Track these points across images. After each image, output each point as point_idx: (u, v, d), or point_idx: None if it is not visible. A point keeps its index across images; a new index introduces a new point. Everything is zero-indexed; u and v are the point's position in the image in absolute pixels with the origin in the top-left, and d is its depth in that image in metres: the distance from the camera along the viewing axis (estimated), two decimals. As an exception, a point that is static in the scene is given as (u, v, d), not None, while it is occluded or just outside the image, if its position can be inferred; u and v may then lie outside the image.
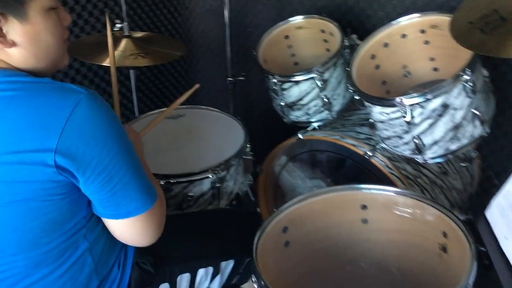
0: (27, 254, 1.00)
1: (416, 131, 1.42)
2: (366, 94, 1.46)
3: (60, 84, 0.96)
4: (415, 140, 1.44)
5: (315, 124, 1.81)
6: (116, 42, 1.85)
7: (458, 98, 1.35)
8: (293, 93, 1.73)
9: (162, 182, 1.47)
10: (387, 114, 1.44)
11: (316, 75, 1.65)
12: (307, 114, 1.79)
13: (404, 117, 1.38)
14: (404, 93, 1.50)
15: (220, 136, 1.70)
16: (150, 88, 2.55)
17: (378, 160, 1.59)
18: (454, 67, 1.34)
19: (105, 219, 1.06)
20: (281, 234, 1.30)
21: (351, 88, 1.52)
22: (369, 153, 1.59)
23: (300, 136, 1.78)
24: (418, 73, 1.67)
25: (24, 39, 0.95)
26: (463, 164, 1.79)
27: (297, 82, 1.70)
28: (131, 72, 1.99)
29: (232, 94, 2.17)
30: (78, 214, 1.03)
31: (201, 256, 1.30)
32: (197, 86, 1.46)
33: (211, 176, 1.51)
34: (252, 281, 1.10)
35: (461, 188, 1.78)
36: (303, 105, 1.76)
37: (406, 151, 1.51)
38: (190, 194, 1.52)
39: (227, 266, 1.33)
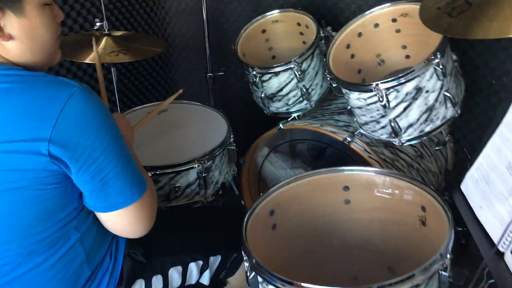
0: (20, 243, 1.02)
1: (392, 114, 1.49)
2: (344, 81, 1.52)
3: (54, 77, 1.00)
4: (391, 123, 1.51)
5: (295, 114, 1.87)
6: (97, 40, 1.88)
7: (430, 81, 1.43)
8: (272, 84, 1.79)
9: (149, 174, 1.50)
10: (364, 99, 1.50)
11: (294, 66, 1.71)
12: (287, 104, 1.85)
13: (381, 101, 1.45)
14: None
15: (204, 128, 1.74)
16: (132, 82, 2.58)
17: (357, 145, 1.66)
18: (425, 54, 1.41)
19: (96, 213, 1.09)
20: (269, 217, 1.34)
21: (328, 75, 1.58)
22: (348, 139, 1.66)
23: (281, 126, 1.83)
24: (392, 61, 1.75)
25: (20, 33, 0.99)
26: (437, 148, 1.87)
27: (276, 74, 1.75)
28: (113, 69, 2.02)
29: (212, 90, 2.21)
30: (70, 205, 1.06)
31: (192, 250, 1.33)
32: (180, 91, 1.51)
33: (196, 166, 1.55)
34: (244, 260, 1.14)
35: (436, 171, 1.86)
36: (283, 96, 1.82)
37: (384, 135, 1.58)
38: (177, 184, 1.56)
39: (215, 261, 1.37)
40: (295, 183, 1.39)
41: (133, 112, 1.85)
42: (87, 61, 1.80)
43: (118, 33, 2.02)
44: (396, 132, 1.52)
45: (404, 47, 1.72)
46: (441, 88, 1.45)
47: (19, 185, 0.96)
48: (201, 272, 1.33)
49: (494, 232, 1.04)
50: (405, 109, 1.47)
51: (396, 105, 1.46)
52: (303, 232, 1.41)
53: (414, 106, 1.46)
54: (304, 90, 1.78)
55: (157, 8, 2.65)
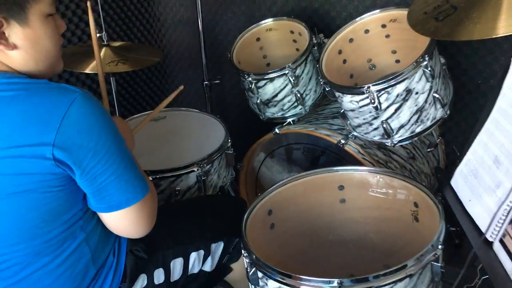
0: (28, 244, 1.06)
1: (384, 116, 1.54)
2: (337, 85, 1.58)
3: (57, 84, 1.04)
4: (383, 125, 1.56)
5: (290, 119, 1.92)
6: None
7: (420, 83, 1.48)
8: (268, 90, 1.84)
9: (150, 178, 1.54)
10: (357, 102, 1.56)
11: (288, 71, 1.77)
12: (282, 110, 1.90)
13: (373, 103, 1.50)
14: (371, 83, 1.62)
15: (202, 133, 1.79)
16: (130, 93, 2.64)
17: (351, 148, 1.71)
18: (414, 58, 1.47)
19: (99, 213, 1.13)
20: (267, 216, 1.39)
21: (322, 80, 1.64)
22: (342, 141, 1.71)
23: (276, 130, 1.88)
24: (382, 65, 1.80)
25: (24, 42, 1.03)
26: (429, 150, 1.93)
27: (271, 79, 1.81)
28: (112, 78, 2.07)
29: (209, 97, 2.27)
30: (75, 206, 1.10)
31: (192, 240, 1.36)
32: (181, 87, 1.54)
33: (196, 170, 1.59)
34: (244, 256, 1.18)
35: (428, 172, 1.92)
36: (278, 101, 1.87)
37: (376, 137, 1.63)
38: (178, 188, 1.60)
39: (218, 247, 1.40)
40: (292, 183, 1.44)
41: (132, 120, 1.90)
42: (87, 71, 1.85)
43: (117, 44, 2.07)
44: (388, 133, 1.58)
45: (394, 51, 1.78)
46: (430, 90, 1.51)
47: (26, 189, 1.00)
48: (204, 260, 1.37)
49: (483, 223, 1.09)
50: (396, 110, 1.52)
51: (388, 107, 1.52)
52: (301, 231, 1.46)
53: (404, 107, 1.52)
54: (299, 95, 1.83)
55: (153, 20, 2.71)
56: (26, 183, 1.00)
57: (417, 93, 1.49)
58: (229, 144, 1.73)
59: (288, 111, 1.90)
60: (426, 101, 1.52)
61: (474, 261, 1.36)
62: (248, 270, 1.17)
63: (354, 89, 1.54)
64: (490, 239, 1.05)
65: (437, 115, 1.57)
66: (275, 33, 2.04)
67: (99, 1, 2.02)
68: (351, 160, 1.74)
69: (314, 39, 1.84)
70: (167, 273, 1.31)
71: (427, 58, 1.44)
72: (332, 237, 1.47)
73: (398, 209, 1.38)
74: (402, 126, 1.56)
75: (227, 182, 1.77)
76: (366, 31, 1.75)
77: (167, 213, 1.37)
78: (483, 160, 1.15)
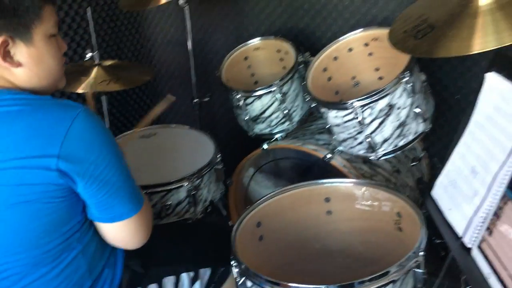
0: (28, 253, 1.09)
1: (368, 130, 1.60)
2: (322, 101, 1.64)
3: (60, 100, 1.10)
4: (367, 139, 1.62)
5: (278, 135, 1.97)
6: (88, 70, 1.98)
7: (401, 98, 1.55)
8: (256, 107, 1.90)
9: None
10: (342, 117, 1.61)
11: (275, 89, 1.82)
12: (270, 126, 1.95)
13: (356, 118, 1.56)
14: (355, 99, 1.68)
15: (192, 149, 1.83)
16: (121, 112, 2.68)
17: (338, 162, 1.76)
18: (396, 75, 1.54)
19: (99, 224, 1.17)
20: (256, 228, 1.43)
21: (308, 96, 1.69)
22: (329, 156, 1.76)
23: (265, 146, 1.93)
24: (366, 82, 1.87)
25: (29, 60, 1.09)
26: (413, 164, 1.98)
27: (259, 97, 1.86)
28: (103, 97, 2.11)
29: (199, 115, 2.32)
30: (74, 218, 1.14)
31: (184, 261, 1.41)
32: (173, 98, 1.58)
33: (186, 184, 1.63)
34: (233, 266, 1.22)
35: (413, 185, 1.97)
36: (266, 117, 1.92)
37: (361, 151, 1.69)
38: (168, 202, 1.64)
39: (205, 273, 1.44)
40: (280, 195, 1.48)
41: (123, 136, 1.94)
42: (79, 91, 1.90)
43: (108, 63, 2.12)
44: (372, 147, 1.63)
45: (377, 69, 1.84)
46: (411, 105, 1.57)
47: (29, 199, 1.04)
48: (193, 282, 1.40)
49: (462, 230, 1.14)
50: (379, 125, 1.58)
51: (371, 122, 1.57)
52: (289, 243, 1.49)
53: (387, 122, 1.58)
54: (286, 111, 1.89)
55: (144, 41, 2.78)
56: (29, 193, 1.04)
57: (399, 108, 1.56)
58: (219, 159, 1.77)
59: (276, 127, 1.95)
60: (408, 116, 1.58)
61: (459, 272, 1.40)
62: (238, 281, 1.21)
63: (339, 105, 1.60)
64: (469, 246, 1.10)
65: (419, 129, 1.63)
66: (263, 52, 2.10)
67: (91, 22, 2.08)
68: (337, 174, 1.79)
69: (300, 57, 1.90)
70: None
71: (407, 75, 1.51)
72: (319, 247, 1.50)
73: (383, 220, 1.43)
74: (385, 140, 1.62)
75: (217, 197, 1.81)
76: (350, 50, 1.82)
77: (162, 233, 1.42)
78: (461, 170, 1.20)
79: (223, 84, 1.97)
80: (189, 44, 2.22)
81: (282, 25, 2.30)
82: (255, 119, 1.94)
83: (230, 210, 2.14)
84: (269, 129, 1.97)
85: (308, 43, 2.23)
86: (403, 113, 1.57)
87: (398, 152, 1.66)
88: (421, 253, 1.14)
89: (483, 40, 1.26)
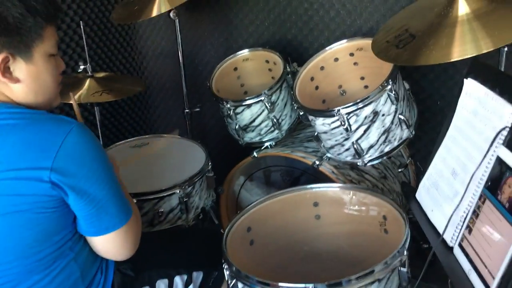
0: (21, 262, 1.12)
1: (354, 137, 1.65)
2: (310, 108, 1.69)
3: (54, 115, 1.14)
4: (354, 145, 1.67)
5: (268, 144, 2.02)
6: (81, 82, 2.03)
7: (385, 105, 1.60)
8: (245, 116, 1.94)
9: (134, 201, 1.61)
10: (329, 124, 1.66)
11: (264, 98, 1.87)
12: (260, 134, 2.00)
13: (343, 125, 1.61)
14: (341, 107, 1.74)
15: (183, 158, 1.87)
16: (113, 123, 2.72)
17: (326, 168, 1.81)
18: (381, 83, 1.59)
19: (88, 237, 1.21)
20: (246, 233, 1.47)
21: (296, 105, 1.75)
22: (317, 163, 1.81)
23: (255, 154, 1.98)
24: (352, 91, 1.93)
25: (27, 77, 1.13)
26: (400, 170, 2.04)
27: (248, 106, 1.91)
28: (96, 108, 2.15)
29: (190, 125, 2.36)
30: (66, 228, 1.17)
31: (176, 265, 1.44)
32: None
33: (178, 192, 1.67)
34: (225, 269, 1.25)
35: (399, 191, 2.02)
36: (256, 126, 1.97)
37: (348, 157, 1.74)
38: (161, 210, 1.67)
39: (198, 277, 1.47)
40: (270, 201, 1.52)
41: (115, 147, 1.98)
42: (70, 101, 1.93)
43: (101, 75, 2.17)
44: (359, 153, 1.68)
45: (362, 78, 1.90)
46: (395, 112, 1.62)
47: (21, 209, 1.08)
48: (186, 286, 1.43)
49: (443, 229, 1.19)
50: (365, 131, 1.63)
51: (357, 128, 1.63)
52: (279, 246, 1.53)
53: (373, 128, 1.63)
54: (275, 120, 1.94)
55: (135, 53, 2.83)
56: (22, 203, 1.07)
57: (383, 115, 1.61)
58: (210, 167, 1.81)
59: (266, 135, 2.00)
60: (392, 122, 1.63)
61: (447, 276, 1.44)
62: (229, 283, 1.24)
63: (326, 112, 1.65)
64: (450, 244, 1.14)
65: (403, 136, 1.68)
66: (252, 63, 2.15)
67: (83, 35, 2.12)
68: (326, 180, 1.83)
69: (288, 67, 1.96)
70: None
71: (390, 82, 1.56)
72: (308, 250, 1.54)
73: (370, 223, 1.47)
74: (371, 146, 1.67)
75: (208, 204, 1.85)
76: (336, 59, 1.88)
77: (154, 238, 1.45)
78: (442, 173, 1.25)
79: (213, 94, 2.01)
80: (180, 56, 2.27)
81: (270, 36, 2.36)
82: (245, 128, 1.99)
83: (222, 218, 2.17)
84: (259, 137, 2.01)
85: (296, 54, 2.29)
86: (388, 120, 1.62)
87: (384, 158, 1.71)
88: (405, 252, 1.18)
89: (461, 48, 1.32)
